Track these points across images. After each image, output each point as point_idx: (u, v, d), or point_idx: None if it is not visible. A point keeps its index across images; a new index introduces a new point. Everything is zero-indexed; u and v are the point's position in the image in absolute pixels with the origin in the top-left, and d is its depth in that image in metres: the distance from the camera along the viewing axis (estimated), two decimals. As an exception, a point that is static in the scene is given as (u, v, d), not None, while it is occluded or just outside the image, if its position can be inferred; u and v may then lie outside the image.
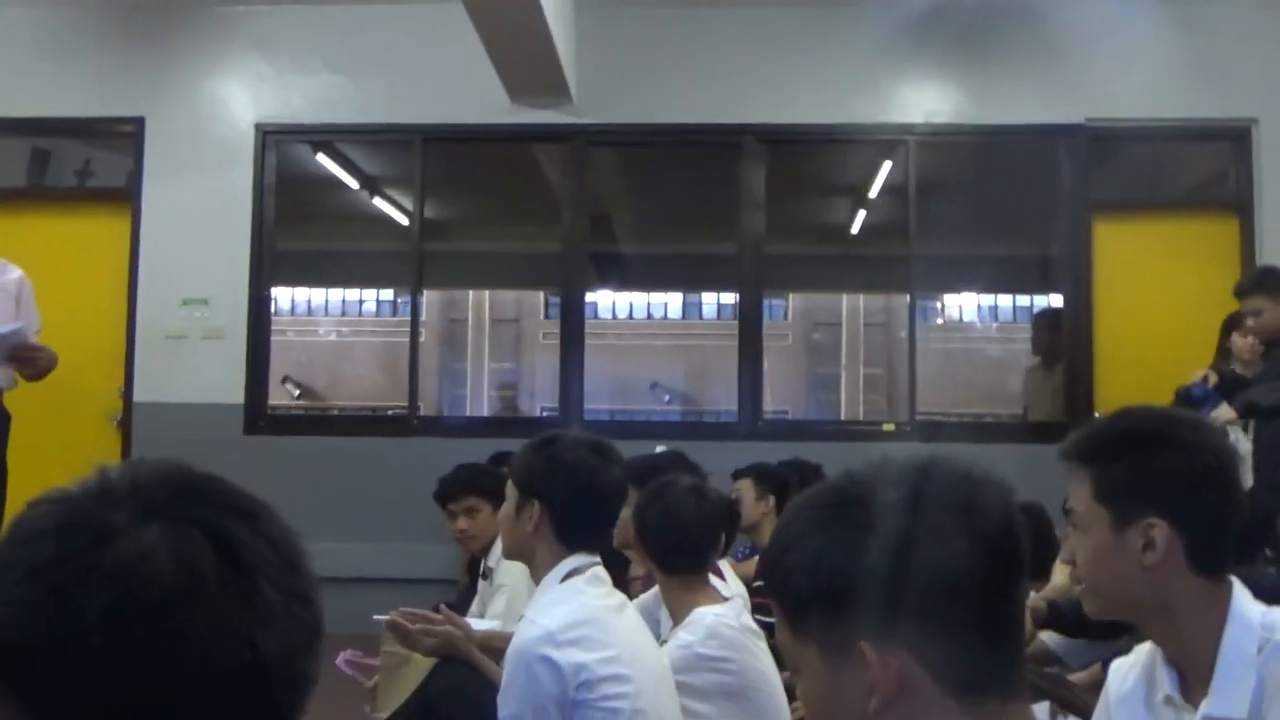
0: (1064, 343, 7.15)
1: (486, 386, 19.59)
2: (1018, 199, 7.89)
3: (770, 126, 7.24)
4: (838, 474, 1.08)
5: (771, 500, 4.98)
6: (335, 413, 12.91)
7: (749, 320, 7.29)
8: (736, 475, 5.32)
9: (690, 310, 22.16)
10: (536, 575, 2.52)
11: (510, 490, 2.54)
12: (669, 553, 2.78)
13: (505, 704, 2.29)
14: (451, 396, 19.15)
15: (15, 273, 4.96)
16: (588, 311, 7.70)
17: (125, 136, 7.43)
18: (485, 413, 18.24)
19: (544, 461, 2.48)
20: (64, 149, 7.86)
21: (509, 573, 4.14)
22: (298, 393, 8.70)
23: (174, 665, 0.76)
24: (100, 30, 7.45)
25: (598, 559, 2.49)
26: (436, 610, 3.12)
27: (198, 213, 7.25)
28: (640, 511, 2.80)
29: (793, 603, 1.03)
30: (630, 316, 20.89)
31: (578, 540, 2.46)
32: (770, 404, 8.06)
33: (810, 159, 8.45)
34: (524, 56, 6.43)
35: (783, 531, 1.06)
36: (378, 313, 22.03)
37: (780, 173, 7.47)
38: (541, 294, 20.86)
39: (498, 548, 4.32)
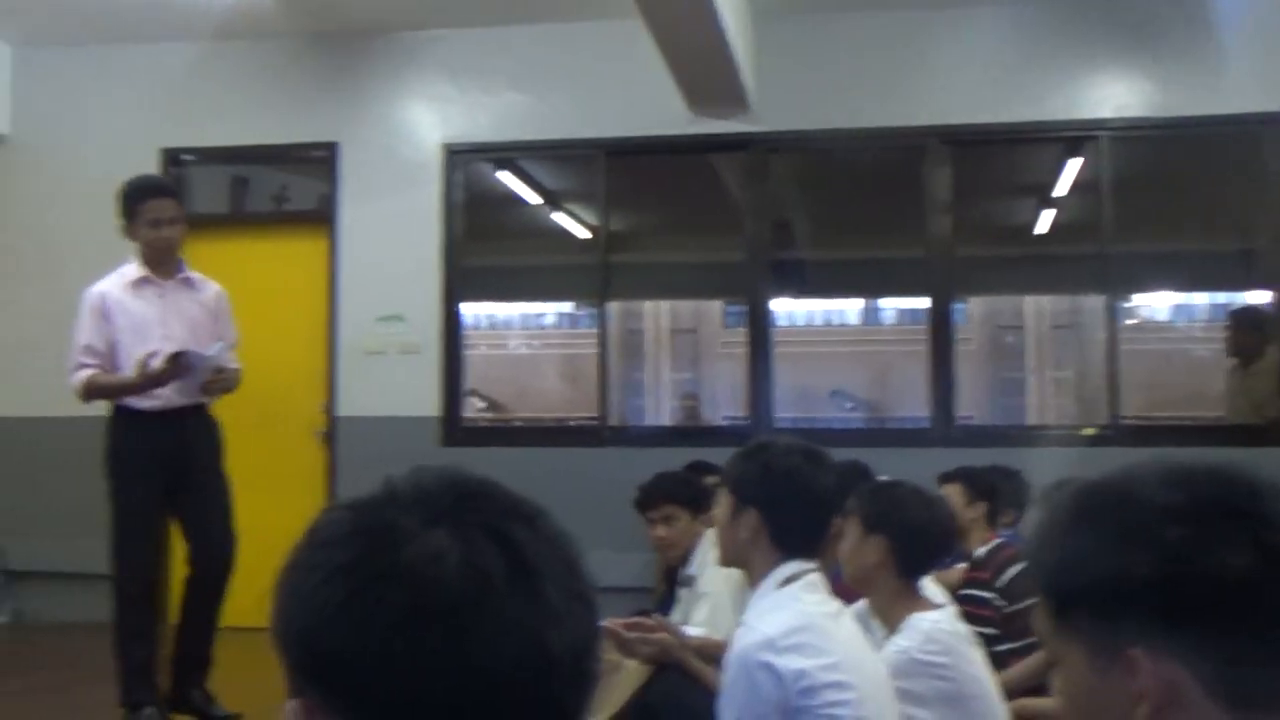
0: (1268, 340, 6.82)
1: (666, 396, 19.69)
2: (1217, 191, 7.59)
3: (954, 127, 7.11)
4: (1098, 475, 1.05)
5: (982, 506, 4.79)
6: (518, 424, 13.15)
7: (940, 324, 7.16)
8: (944, 480, 5.23)
9: (870, 316, 21.91)
10: (752, 581, 2.52)
11: (724, 497, 2.54)
12: (911, 557, 2.73)
13: (725, 710, 2.30)
14: (631, 407, 19.28)
15: (213, 288, 5.10)
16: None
17: (319, 162, 7.71)
18: (665, 422, 18.37)
19: (757, 468, 2.47)
20: (261, 176, 8.20)
21: (712, 581, 4.15)
22: (484, 405, 8.88)
23: (466, 665, 0.79)
24: (294, 61, 7.76)
25: (814, 565, 2.48)
26: (646, 617, 3.15)
27: (390, 232, 7.48)
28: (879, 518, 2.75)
29: (1059, 600, 1.01)
30: (809, 324, 20.75)
31: (793, 546, 2.45)
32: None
33: (995, 159, 8.28)
34: (702, 67, 6.46)
35: (1052, 528, 1.03)
36: (557, 325, 22.38)
37: (965, 174, 7.33)
38: (719, 303, 20.90)
39: (697, 555, 4.35)
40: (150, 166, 7.74)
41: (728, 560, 2.63)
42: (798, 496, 2.45)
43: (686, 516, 4.43)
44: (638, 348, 20.40)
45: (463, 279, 7.57)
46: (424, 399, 7.37)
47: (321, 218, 7.66)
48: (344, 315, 7.48)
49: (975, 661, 2.70)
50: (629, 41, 7.12)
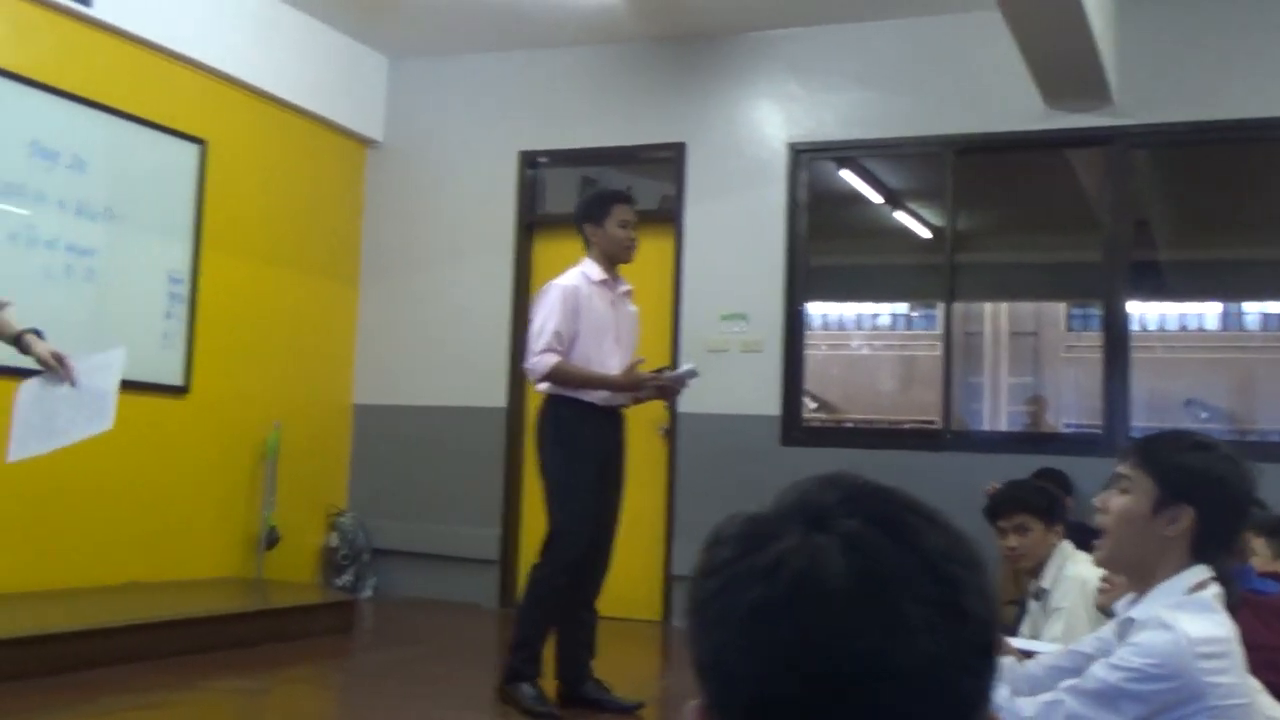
0: None
1: (1004, 400, 19.06)
2: None
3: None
4: None
5: None
6: (851, 425, 13.04)
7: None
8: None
9: (1231, 321, 20.50)
10: (1143, 578, 2.33)
11: (1145, 485, 2.31)
12: None
13: (1114, 674, 2.18)
14: (967, 410, 18.79)
15: (633, 306, 5.34)
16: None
17: (665, 162, 7.87)
18: (1001, 427, 17.78)
19: (1202, 465, 2.28)
20: (607, 177, 8.44)
21: (1066, 595, 3.99)
22: (815, 405, 8.83)
23: (803, 669, 0.77)
24: (643, 65, 7.96)
25: (1215, 574, 2.31)
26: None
27: (735, 231, 7.56)
28: None
29: None
30: (1162, 328, 19.62)
31: (1208, 553, 2.28)
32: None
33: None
34: (1063, 59, 6.20)
35: None
36: (891, 326, 22.05)
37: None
38: (1062, 306, 20.04)
39: (1051, 568, 4.17)
40: (509, 170, 8.16)
41: (1123, 551, 2.37)
42: (1231, 502, 2.28)
43: (1040, 526, 4.25)
44: (975, 350, 19.84)
45: (805, 278, 7.56)
46: (764, 397, 7.41)
47: (666, 217, 7.82)
48: (687, 313, 7.62)
49: None
50: (981, 35, 6.95)
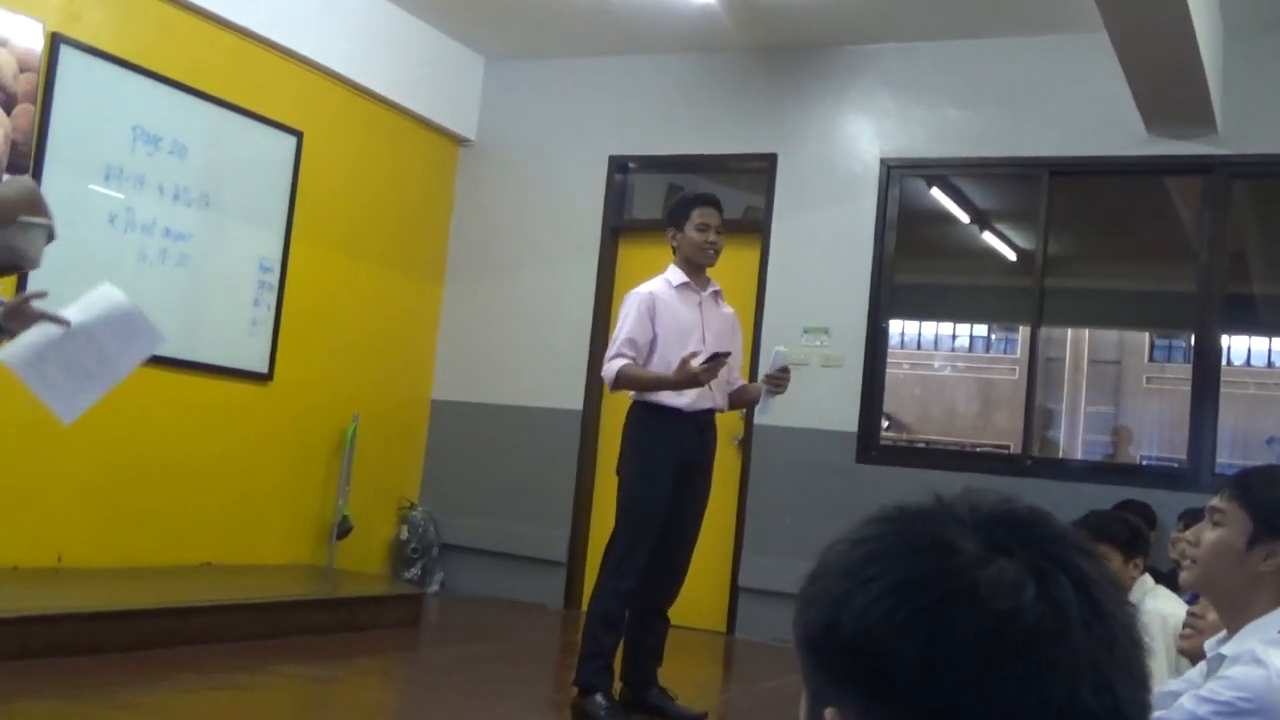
0: None
1: (1081, 428, 18.81)
2: None
3: None
4: None
5: None
6: (926, 445, 12.93)
7: None
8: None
9: (1319, 359, 20.09)
10: (1234, 614, 2.31)
11: (1241, 519, 2.30)
12: None
13: (1205, 707, 2.14)
14: (1044, 438, 18.56)
15: (730, 308, 5.35)
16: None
17: (756, 172, 7.84)
18: (1077, 455, 17.53)
19: None
20: (695, 185, 8.42)
21: (1146, 630, 3.90)
22: (886, 424, 8.76)
23: (1038, 702, 0.75)
24: (738, 74, 7.94)
25: None
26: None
27: (822, 244, 7.51)
28: None
29: None
30: (1248, 363, 19.26)
31: None
32: None
33: None
34: (1169, 85, 6.09)
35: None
36: (969, 349, 21.84)
37: None
38: (1146, 335, 19.74)
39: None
40: (599, 173, 8.18)
41: (1214, 584, 2.38)
42: None
43: (1119, 558, 4.17)
44: (1055, 376, 19.61)
45: (890, 295, 7.50)
46: (842, 413, 7.35)
47: (753, 227, 7.79)
48: (769, 324, 7.58)
49: None
50: (1079, 57, 6.85)
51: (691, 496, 5.03)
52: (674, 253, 5.19)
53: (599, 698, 4.83)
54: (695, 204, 5.17)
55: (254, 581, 6.71)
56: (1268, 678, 2.10)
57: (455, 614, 7.53)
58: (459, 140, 8.63)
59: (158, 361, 5.48)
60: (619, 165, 8.23)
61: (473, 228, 8.57)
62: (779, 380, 5.02)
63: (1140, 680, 0.79)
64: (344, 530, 7.59)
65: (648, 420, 4.96)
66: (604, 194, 8.20)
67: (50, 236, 3.06)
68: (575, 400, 8.04)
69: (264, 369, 7.17)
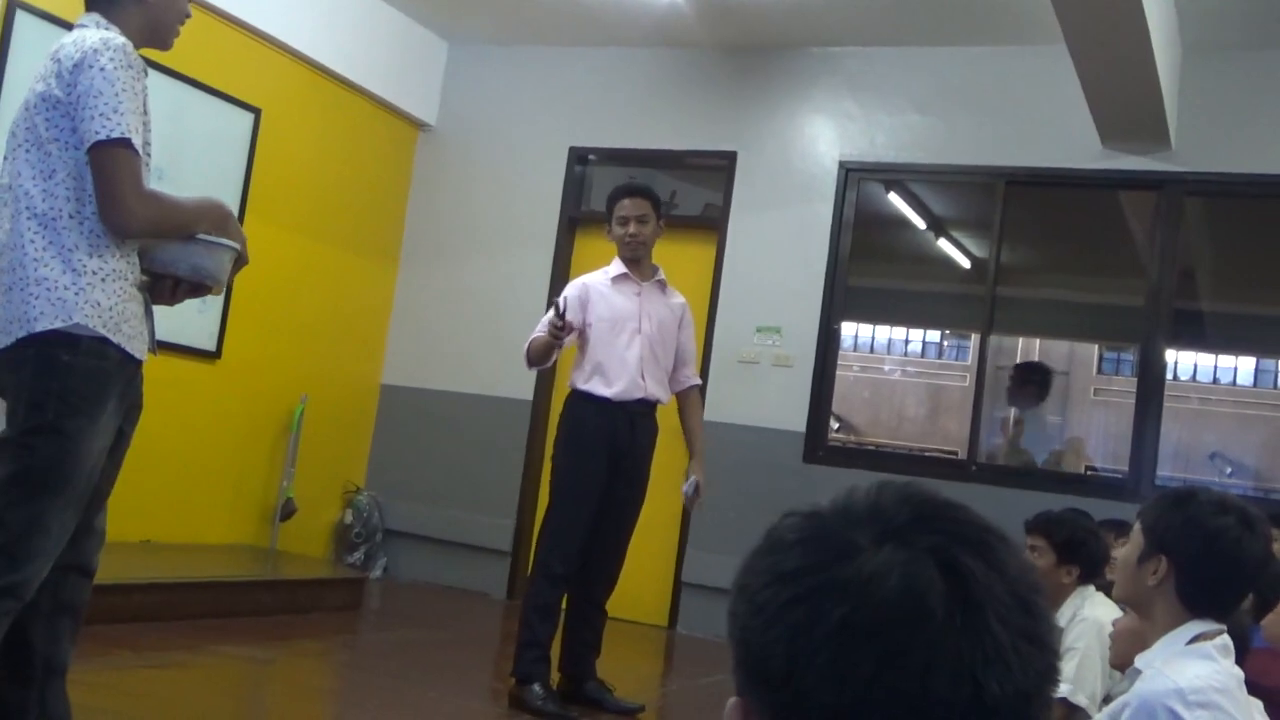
0: None
1: (1028, 439, 18.97)
2: None
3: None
4: None
5: None
6: (871, 448, 12.98)
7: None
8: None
9: (1264, 378, 20.35)
10: (1151, 630, 2.39)
11: (1137, 536, 2.41)
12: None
13: None
14: (990, 444, 18.73)
15: (680, 297, 5.35)
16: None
17: (715, 170, 7.86)
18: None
19: (1182, 519, 2.33)
20: (654, 180, 8.42)
21: (1081, 636, 3.95)
22: (837, 426, 8.81)
23: (894, 692, 0.75)
24: (702, 71, 7.95)
25: (1223, 628, 2.32)
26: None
27: (778, 244, 7.54)
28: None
29: None
30: (1194, 379, 19.49)
31: (1202, 605, 2.31)
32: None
33: None
34: (1125, 100, 6.16)
35: None
36: (921, 354, 21.97)
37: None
38: (1095, 347, 19.92)
39: (1067, 608, 4.13)
40: (559, 163, 8.16)
41: (1123, 597, 2.52)
42: (1219, 557, 2.30)
43: (1052, 558, 4.20)
44: (1004, 384, 19.79)
45: (844, 298, 7.53)
46: (791, 413, 7.38)
47: (710, 225, 7.81)
48: (723, 321, 7.60)
49: None
50: (1042, 69, 6.92)
51: (625, 486, 5.02)
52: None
53: (536, 687, 4.83)
54: (616, 197, 5.17)
55: (195, 560, 6.65)
56: (1165, 692, 2.15)
57: (397, 600, 7.50)
58: (419, 125, 8.58)
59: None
60: (579, 157, 8.21)
61: (430, 213, 8.53)
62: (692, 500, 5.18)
63: (1019, 671, 0.77)
64: (287, 512, 7.53)
65: (578, 409, 5.02)
66: (563, 185, 8.19)
67: (241, 261, 3.03)
68: (525, 390, 8.02)
69: (212, 347, 7.11)
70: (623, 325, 5.05)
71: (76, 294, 2.70)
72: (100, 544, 3.07)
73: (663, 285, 5.25)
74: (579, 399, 5.03)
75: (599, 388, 4.98)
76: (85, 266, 2.73)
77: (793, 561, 0.82)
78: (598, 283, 5.13)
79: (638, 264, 5.16)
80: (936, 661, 0.75)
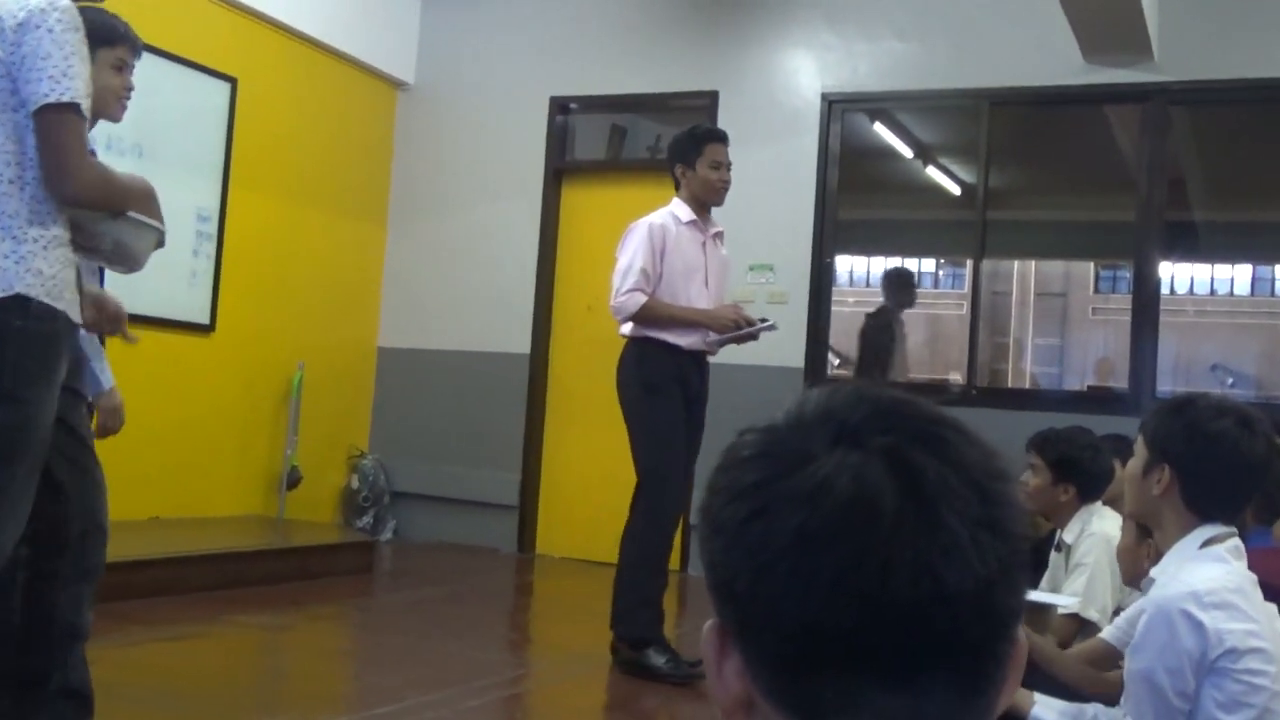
0: None
1: (1030, 362, 19.00)
2: None
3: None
4: None
5: None
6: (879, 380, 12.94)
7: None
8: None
9: (1260, 286, 20.36)
10: (1163, 538, 2.41)
11: (1140, 449, 2.41)
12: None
13: (1137, 657, 2.21)
14: (993, 370, 18.75)
15: (725, 252, 5.16)
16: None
17: (698, 110, 7.79)
18: (1026, 386, 17.69)
19: (1182, 426, 2.33)
20: (638, 125, 8.40)
21: (1090, 552, 3.95)
22: (838, 361, 8.81)
23: (850, 595, 0.75)
24: (677, 12, 7.89)
25: (1233, 530, 2.32)
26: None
27: (766, 182, 7.49)
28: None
29: None
30: (1191, 291, 19.50)
31: (1209, 510, 2.32)
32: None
33: None
34: (1105, 12, 6.11)
35: None
36: (919, 284, 21.96)
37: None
38: (1091, 266, 19.91)
39: (1075, 523, 4.14)
40: (540, 114, 8.11)
41: (1135, 512, 2.53)
42: (1220, 460, 2.30)
43: (1047, 476, 4.18)
44: (1002, 310, 19.78)
45: (834, 231, 7.50)
46: (789, 350, 7.37)
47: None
48: (715, 263, 7.56)
49: None
50: (1021, -13, 6.85)
51: (694, 430, 4.89)
52: (677, 189, 4.96)
53: (653, 651, 4.60)
54: (708, 139, 4.94)
55: (204, 534, 6.68)
56: (1176, 596, 2.17)
57: (408, 560, 7.54)
58: (397, 84, 8.52)
59: (95, 314, 5.41)
60: (560, 106, 8.16)
61: (414, 172, 8.49)
62: (746, 336, 4.96)
63: (978, 561, 0.76)
64: (293, 480, 7.55)
65: (653, 356, 4.79)
66: (545, 135, 8.14)
67: (160, 243, 3.00)
68: (523, 344, 8.02)
69: (205, 320, 7.10)
70: (693, 276, 4.86)
71: (17, 262, 2.64)
72: (104, 495, 3.08)
73: (720, 237, 5.08)
74: (654, 347, 4.79)
75: (672, 337, 4.79)
76: (26, 234, 2.66)
77: (749, 476, 0.81)
78: (672, 226, 4.86)
79: (706, 211, 4.97)
80: (893, 561, 0.75)
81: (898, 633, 0.75)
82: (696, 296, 4.85)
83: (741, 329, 4.92)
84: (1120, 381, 7.48)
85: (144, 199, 2.92)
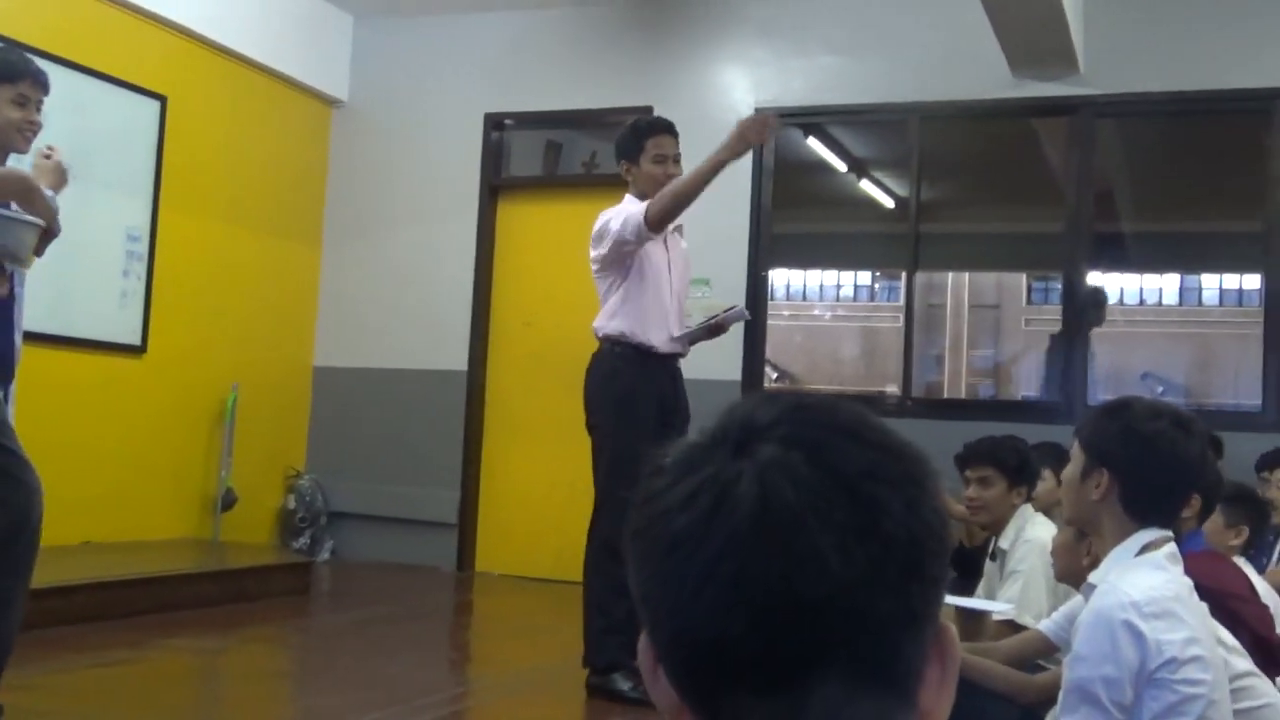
0: None
1: (965, 373, 19.20)
2: None
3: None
4: None
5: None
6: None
7: (1277, 303, 6.66)
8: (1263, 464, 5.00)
9: (1188, 295, 20.73)
10: (1100, 545, 2.42)
11: (1076, 453, 2.42)
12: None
13: (1077, 666, 2.21)
14: (928, 383, 18.94)
15: (684, 244, 4.96)
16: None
17: (633, 126, 7.82)
18: (961, 396, 17.89)
19: (1117, 428, 2.35)
20: (573, 140, 8.40)
21: (1025, 558, 3.99)
22: (776, 375, 8.88)
23: (713, 604, 0.76)
24: (610, 27, 7.91)
25: (1169, 535, 2.34)
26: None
27: (701, 196, 7.48)
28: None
29: None
30: (1120, 302, 19.80)
31: (1147, 513, 2.33)
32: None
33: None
34: (1031, 25, 6.21)
35: None
36: (854, 298, 22.13)
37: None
38: (1024, 278, 20.17)
39: (1010, 529, 4.18)
40: (475, 131, 8.10)
41: (1072, 518, 2.53)
42: (1156, 463, 2.32)
43: (1004, 484, 4.24)
44: (937, 322, 19.98)
45: (770, 245, 7.55)
46: (725, 364, 7.39)
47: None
48: (652, 278, 7.58)
49: None
50: (950, 1, 6.93)
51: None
52: (630, 188, 4.71)
53: (618, 676, 4.43)
54: (649, 133, 4.70)
55: (137, 557, 6.57)
56: (1118, 605, 2.18)
57: (346, 580, 7.47)
58: (331, 102, 8.47)
59: (25, 337, 5.31)
60: (495, 122, 8.16)
61: (349, 191, 8.44)
62: (719, 327, 4.80)
63: (840, 566, 0.75)
64: (228, 502, 7.46)
65: (625, 370, 4.54)
66: (481, 152, 8.12)
67: (49, 235, 2.95)
68: (460, 361, 7.99)
69: (137, 341, 7.00)
70: (660, 274, 4.66)
71: None
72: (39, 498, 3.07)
73: (680, 230, 4.87)
74: (624, 353, 4.54)
75: (644, 341, 4.55)
76: None
77: (659, 483, 0.82)
78: None
79: None
80: (747, 569, 0.75)
81: (760, 641, 0.75)
82: (662, 291, 4.67)
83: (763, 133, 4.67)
84: (1053, 392, 7.57)
85: (18, 193, 2.88)
